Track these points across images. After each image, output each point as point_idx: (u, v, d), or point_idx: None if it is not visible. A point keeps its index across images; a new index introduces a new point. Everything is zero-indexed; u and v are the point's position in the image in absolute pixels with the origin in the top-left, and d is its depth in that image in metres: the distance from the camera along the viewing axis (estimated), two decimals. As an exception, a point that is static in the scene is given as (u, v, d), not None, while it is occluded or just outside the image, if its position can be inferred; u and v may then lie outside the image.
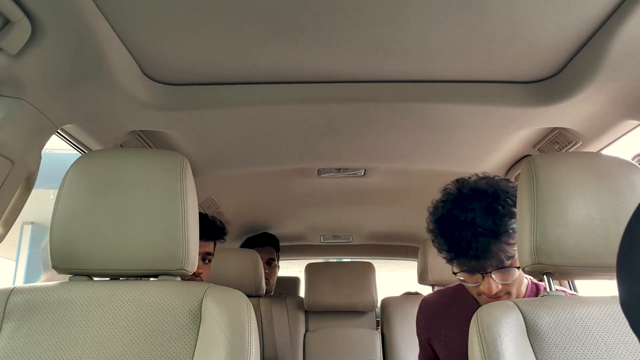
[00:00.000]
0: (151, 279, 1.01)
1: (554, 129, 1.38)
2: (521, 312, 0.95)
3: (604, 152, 1.38)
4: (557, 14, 0.94)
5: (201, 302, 0.94)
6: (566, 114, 1.24)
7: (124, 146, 1.40)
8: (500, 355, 0.90)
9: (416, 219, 2.69)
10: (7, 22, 0.83)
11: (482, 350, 0.92)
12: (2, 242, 1.05)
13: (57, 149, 1.49)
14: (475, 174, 1.16)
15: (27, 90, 0.99)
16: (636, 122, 1.22)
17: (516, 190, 1.07)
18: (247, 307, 0.95)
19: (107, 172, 1.00)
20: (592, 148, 1.37)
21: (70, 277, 1.01)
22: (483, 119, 1.34)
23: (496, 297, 1.09)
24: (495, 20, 0.96)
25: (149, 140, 1.45)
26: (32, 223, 5.73)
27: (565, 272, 0.97)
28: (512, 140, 1.47)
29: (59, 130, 1.16)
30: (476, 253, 1.03)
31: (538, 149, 1.50)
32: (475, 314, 0.99)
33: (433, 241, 1.15)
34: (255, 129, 1.43)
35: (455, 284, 1.29)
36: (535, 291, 1.21)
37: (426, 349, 1.34)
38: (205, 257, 1.65)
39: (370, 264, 3.00)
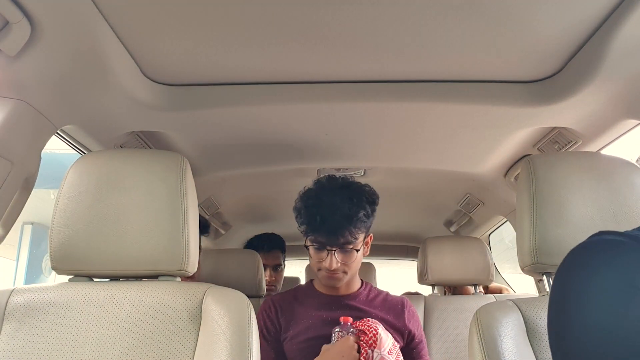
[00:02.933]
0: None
1: (554, 128, 1.38)
2: (521, 312, 0.95)
3: (603, 151, 1.38)
4: (556, 13, 0.94)
5: (201, 303, 0.94)
6: (566, 113, 1.24)
7: (124, 147, 1.40)
8: (500, 354, 0.90)
9: (416, 219, 2.70)
10: (6, 23, 0.83)
11: (482, 350, 0.92)
12: (2, 243, 1.05)
13: (57, 149, 1.49)
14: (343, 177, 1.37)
15: (27, 91, 0.99)
16: (636, 122, 1.22)
17: (373, 195, 1.34)
18: (247, 308, 0.95)
19: (107, 172, 1.00)
20: (592, 147, 1.38)
21: (70, 277, 1.01)
22: (483, 118, 1.34)
23: (334, 273, 1.30)
24: (495, 20, 0.96)
25: (148, 141, 1.45)
26: (32, 223, 5.73)
27: None
28: (512, 139, 1.47)
29: (58, 131, 1.16)
30: (329, 229, 1.24)
31: (538, 148, 1.50)
32: (475, 313, 0.99)
33: (297, 217, 1.34)
34: (255, 129, 1.43)
35: (295, 287, 1.50)
36: (369, 292, 1.42)
37: (271, 346, 1.36)
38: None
39: (370, 264, 3.00)
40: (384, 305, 1.38)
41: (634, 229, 0.61)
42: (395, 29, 0.99)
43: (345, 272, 1.31)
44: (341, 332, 1.22)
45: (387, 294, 1.44)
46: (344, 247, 1.27)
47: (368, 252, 1.40)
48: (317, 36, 1.02)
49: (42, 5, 0.84)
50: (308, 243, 1.32)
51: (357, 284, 1.42)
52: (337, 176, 1.37)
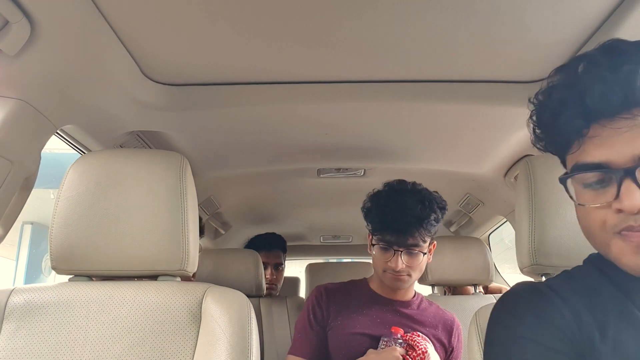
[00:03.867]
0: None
1: (554, 128, 1.37)
2: (521, 312, 0.95)
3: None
4: (556, 13, 0.94)
5: (201, 302, 0.94)
6: (566, 113, 1.24)
7: (124, 146, 1.40)
8: (499, 355, 0.90)
9: (416, 219, 2.70)
10: (6, 22, 0.83)
11: (482, 350, 0.92)
12: (2, 242, 1.05)
13: (57, 149, 1.49)
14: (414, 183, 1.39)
15: (27, 90, 0.99)
16: (636, 122, 1.21)
17: (444, 202, 1.38)
18: (247, 307, 0.95)
19: (107, 172, 1.00)
20: (592, 148, 1.37)
21: (70, 277, 1.01)
22: (483, 119, 1.34)
23: (399, 274, 1.29)
24: (495, 21, 0.96)
25: (148, 141, 1.45)
26: (32, 223, 5.74)
27: None
28: (512, 140, 1.47)
29: (58, 131, 1.16)
30: (399, 227, 1.25)
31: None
32: (474, 314, 0.99)
33: (366, 216, 1.35)
34: (255, 129, 1.43)
35: (348, 280, 1.49)
36: (421, 302, 1.42)
37: (314, 332, 1.36)
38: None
39: (370, 264, 3.00)
40: (436, 319, 1.38)
41: (559, 274, 0.74)
42: (396, 29, 0.99)
43: (409, 275, 1.31)
44: (389, 341, 1.21)
45: (438, 307, 1.44)
46: (411, 249, 1.27)
47: (431, 259, 1.40)
48: (317, 36, 1.01)
49: (41, 4, 0.84)
50: (374, 242, 1.32)
51: (412, 292, 1.42)
52: (408, 181, 1.38)
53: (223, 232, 2.54)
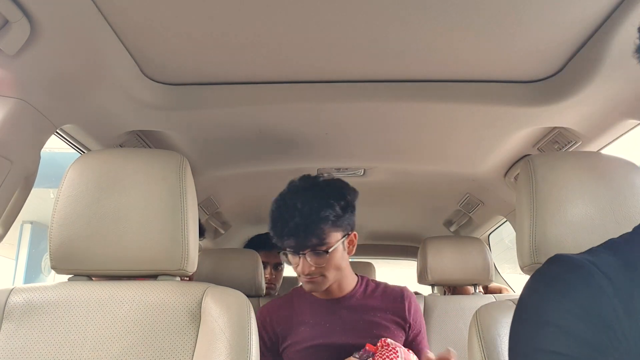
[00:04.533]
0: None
1: (554, 128, 1.37)
2: (521, 312, 0.95)
3: (603, 151, 1.38)
4: (556, 13, 0.94)
5: (201, 302, 0.94)
6: (566, 113, 1.24)
7: (123, 146, 1.40)
8: (499, 354, 0.90)
9: (416, 219, 2.70)
10: (5, 22, 0.83)
11: (482, 350, 0.92)
12: (2, 242, 1.05)
13: (57, 148, 1.49)
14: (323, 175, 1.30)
15: (26, 90, 0.99)
16: (636, 122, 1.22)
17: (344, 190, 1.27)
18: (247, 307, 0.95)
19: (107, 172, 0.99)
20: (592, 147, 1.37)
21: (69, 277, 1.01)
22: (483, 118, 1.34)
23: (311, 278, 1.24)
24: (494, 20, 0.96)
25: (148, 140, 1.45)
26: (31, 222, 5.74)
27: None
28: (512, 139, 1.47)
29: (58, 130, 1.16)
30: (290, 232, 1.19)
31: (538, 148, 1.50)
32: (474, 313, 0.99)
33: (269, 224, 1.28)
34: (255, 129, 1.43)
35: (291, 289, 1.44)
36: (366, 288, 1.37)
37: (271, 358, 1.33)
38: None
39: (370, 264, 3.00)
40: (384, 297, 1.35)
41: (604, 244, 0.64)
42: (395, 29, 0.99)
43: (323, 276, 1.25)
44: (362, 357, 1.17)
45: (386, 284, 1.41)
46: (315, 250, 1.21)
47: (353, 250, 1.34)
48: (317, 36, 1.01)
49: (41, 4, 0.84)
50: (282, 248, 1.27)
51: (351, 283, 1.37)
52: (311, 176, 1.31)
53: (223, 232, 2.54)
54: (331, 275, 1.26)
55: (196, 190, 1.06)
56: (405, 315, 1.33)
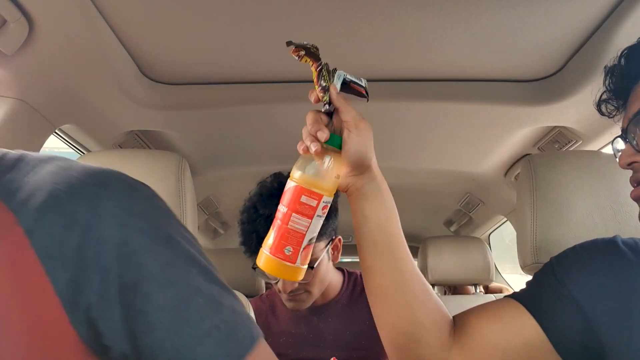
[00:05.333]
0: None
1: (554, 127, 1.37)
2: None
3: (603, 151, 1.37)
4: (557, 12, 0.93)
5: None
6: (566, 112, 1.24)
7: (122, 146, 1.40)
8: (500, 355, 0.89)
9: (416, 219, 2.70)
10: (4, 22, 0.83)
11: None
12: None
13: (56, 148, 1.49)
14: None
15: (25, 90, 0.99)
16: (636, 121, 1.21)
17: None
18: (246, 307, 0.94)
19: None
20: (592, 147, 1.37)
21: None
22: (483, 118, 1.34)
23: (294, 295, 1.09)
24: (495, 20, 0.95)
25: (147, 140, 1.44)
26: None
27: None
28: (512, 139, 1.47)
29: (57, 131, 1.16)
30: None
31: (538, 147, 1.50)
32: None
33: (238, 233, 1.11)
34: (254, 129, 1.43)
35: (270, 292, 1.25)
36: (354, 289, 1.21)
37: None
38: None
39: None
40: None
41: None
42: (395, 29, 0.99)
43: (308, 292, 1.12)
44: None
45: None
46: None
47: (339, 257, 1.21)
48: (317, 36, 1.01)
49: (40, 4, 0.84)
50: (254, 265, 1.11)
51: (335, 287, 1.23)
52: (281, 175, 1.15)
53: (222, 232, 2.54)
54: (316, 290, 1.14)
55: (195, 190, 1.05)
56: None
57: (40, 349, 0.38)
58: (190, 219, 0.99)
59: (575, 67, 1.09)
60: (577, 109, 1.21)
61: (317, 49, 0.74)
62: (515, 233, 1.08)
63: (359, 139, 0.72)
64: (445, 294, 2.35)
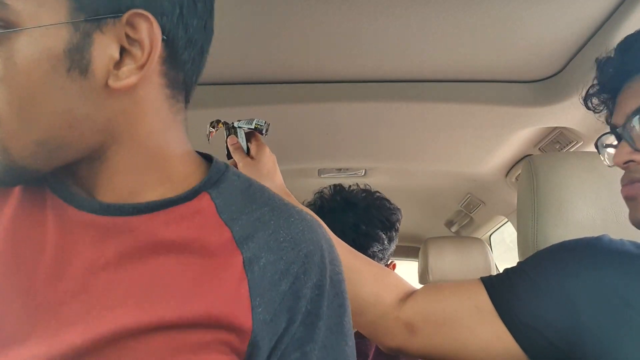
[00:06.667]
0: None
1: (555, 128, 1.37)
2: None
3: (605, 151, 1.37)
4: (557, 12, 0.93)
5: None
6: (567, 113, 1.24)
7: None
8: (501, 355, 0.89)
9: (416, 219, 2.70)
10: (6, 22, 0.83)
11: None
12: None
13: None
14: (357, 184, 1.12)
15: None
16: (637, 122, 1.21)
17: (393, 214, 1.05)
18: None
19: None
20: (593, 148, 1.37)
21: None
22: (483, 118, 1.34)
23: None
24: (495, 20, 0.95)
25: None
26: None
27: None
28: (513, 139, 1.47)
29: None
30: None
31: (539, 148, 1.50)
32: None
33: None
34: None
35: None
36: None
37: None
38: None
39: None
40: None
41: None
42: (396, 29, 0.99)
43: None
44: None
45: None
46: None
47: None
48: (318, 36, 1.01)
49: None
50: None
51: None
52: (345, 189, 1.09)
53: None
54: None
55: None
56: None
57: None
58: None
59: (577, 67, 1.09)
60: (578, 110, 1.21)
61: (219, 120, 0.90)
62: (516, 234, 1.08)
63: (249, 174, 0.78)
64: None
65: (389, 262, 1.11)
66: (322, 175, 1.86)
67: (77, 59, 0.41)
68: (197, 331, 0.41)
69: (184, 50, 0.46)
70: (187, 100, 0.52)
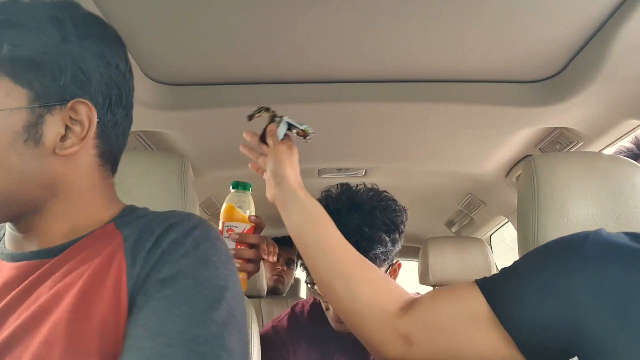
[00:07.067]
0: None
1: (555, 128, 1.37)
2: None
3: (605, 152, 1.37)
4: (558, 13, 0.93)
5: None
6: (567, 113, 1.24)
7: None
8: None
9: (416, 219, 2.70)
10: (6, 22, 0.83)
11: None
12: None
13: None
14: (364, 183, 1.12)
15: None
16: (637, 122, 1.21)
17: (398, 216, 1.05)
18: (247, 308, 0.94)
19: None
20: (594, 148, 1.37)
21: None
22: (484, 118, 1.34)
23: (341, 321, 1.02)
24: (496, 20, 0.95)
25: (149, 141, 1.45)
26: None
27: None
28: (513, 140, 1.47)
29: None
30: None
31: (539, 148, 1.50)
32: None
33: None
34: (256, 129, 1.43)
35: (309, 311, 1.21)
36: None
37: None
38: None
39: (371, 264, 2.98)
40: None
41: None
42: (397, 29, 0.99)
43: None
44: None
45: None
46: None
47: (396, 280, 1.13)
48: (318, 36, 1.01)
49: (42, 4, 0.84)
50: (308, 279, 1.07)
51: None
52: (351, 188, 1.09)
53: (224, 232, 2.54)
54: None
55: (197, 190, 1.05)
56: None
57: None
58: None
59: (577, 68, 1.09)
60: (578, 110, 1.21)
61: (269, 108, 0.97)
62: (516, 234, 1.08)
63: (273, 156, 0.91)
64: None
65: (394, 262, 1.10)
66: (322, 175, 1.86)
67: (32, 133, 0.55)
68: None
69: (111, 129, 0.63)
70: (114, 169, 0.67)
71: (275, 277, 2.26)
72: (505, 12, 0.93)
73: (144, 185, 0.98)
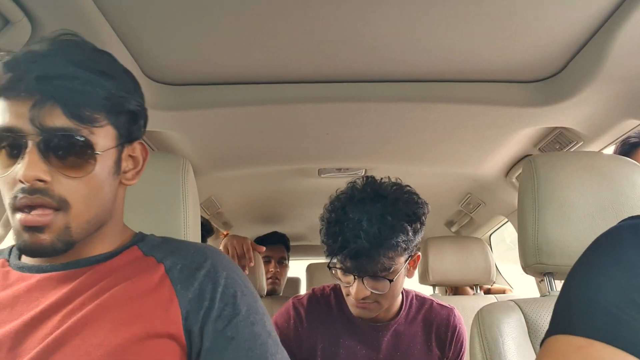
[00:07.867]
0: None
1: (555, 128, 1.37)
2: (522, 312, 0.95)
3: (605, 151, 1.37)
4: (558, 13, 0.93)
5: None
6: (567, 113, 1.24)
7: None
8: (501, 355, 0.89)
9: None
10: (6, 22, 0.83)
11: (484, 350, 0.92)
12: (2, 242, 1.05)
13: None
14: (389, 177, 1.15)
15: None
16: (637, 122, 1.21)
17: (419, 208, 1.08)
18: None
19: None
20: (593, 148, 1.37)
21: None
22: (484, 118, 1.34)
23: (363, 303, 1.08)
24: (496, 20, 0.96)
25: (149, 141, 1.45)
26: (33, 223, 5.72)
27: (566, 272, 0.97)
28: (513, 139, 1.47)
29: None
30: (353, 254, 1.02)
31: (539, 148, 1.50)
32: (476, 313, 0.99)
33: (320, 230, 1.12)
34: (256, 129, 1.43)
35: (329, 297, 1.25)
36: (410, 309, 1.21)
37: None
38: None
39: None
40: (426, 322, 1.20)
41: None
42: (396, 29, 0.99)
43: (378, 302, 1.09)
44: None
45: (432, 304, 1.23)
46: (377, 276, 1.05)
47: (414, 273, 1.18)
48: (318, 36, 1.01)
49: (42, 4, 0.84)
50: (331, 264, 1.10)
51: (397, 305, 1.20)
52: (376, 182, 1.12)
53: (224, 232, 2.54)
54: (386, 303, 1.11)
55: (197, 190, 1.05)
56: (445, 349, 1.19)
57: None
58: (192, 220, 0.99)
59: (576, 68, 1.10)
60: (578, 110, 1.22)
61: None
62: (516, 234, 1.08)
63: None
64: (446, 294, 2.35)
65: (413, 254, 1.13)
66: (322, 175, 1.86)
67: (117, 166, 0.68)
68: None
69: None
70: None
71: (270, 280, 2.26)
72: (505, 13, 0.93)
73: (144, 186, 0.98)
